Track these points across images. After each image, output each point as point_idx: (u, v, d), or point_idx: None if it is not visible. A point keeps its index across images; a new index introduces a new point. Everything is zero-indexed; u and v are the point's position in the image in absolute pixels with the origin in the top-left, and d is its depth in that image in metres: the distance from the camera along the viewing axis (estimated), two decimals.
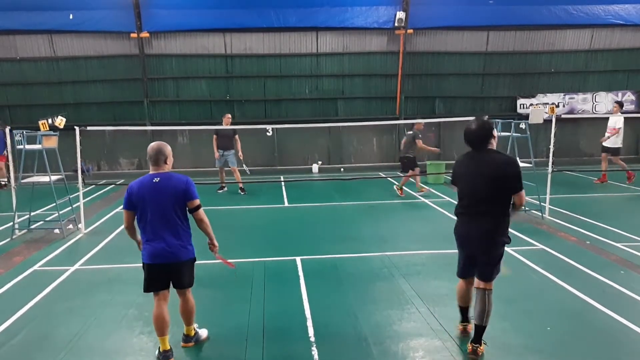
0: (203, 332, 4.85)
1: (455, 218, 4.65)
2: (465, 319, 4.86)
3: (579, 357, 4.40)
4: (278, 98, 18.03)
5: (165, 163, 4.43)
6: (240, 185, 12.92)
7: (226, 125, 12.67)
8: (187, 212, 4.43)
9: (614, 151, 12.78)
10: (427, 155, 18.34)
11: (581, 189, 12.62)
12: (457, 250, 4.65)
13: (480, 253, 4.42)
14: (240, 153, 12.96)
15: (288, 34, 17.47)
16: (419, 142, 12.18)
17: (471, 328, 4.69)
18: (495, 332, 4.82)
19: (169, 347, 4.44)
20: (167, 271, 4.40)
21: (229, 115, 12.99)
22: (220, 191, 13.06)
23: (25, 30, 16.62)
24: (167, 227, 4.29)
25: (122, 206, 4.47)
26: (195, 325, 4.78)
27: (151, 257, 4.33)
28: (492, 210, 4.33)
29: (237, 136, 12.93)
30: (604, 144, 12.90)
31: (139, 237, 4.50)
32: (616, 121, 12.65)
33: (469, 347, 4.42)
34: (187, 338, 4.73)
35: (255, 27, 17.19)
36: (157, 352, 4.48)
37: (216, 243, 4.67)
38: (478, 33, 17.92)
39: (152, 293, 4.46)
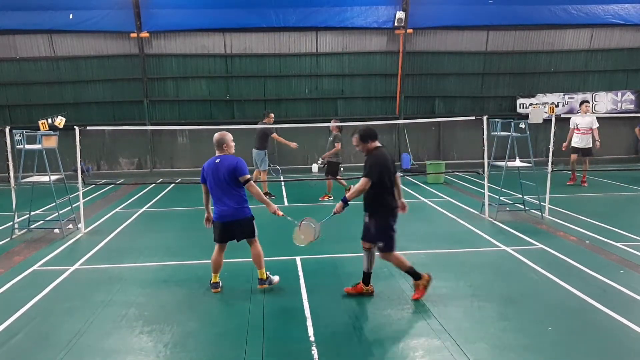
0: (275, 278, 6.05)
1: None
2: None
3: (579, 357, 4.39)
4: (278, 98, 18.02)
5: (224, 149, 5.75)
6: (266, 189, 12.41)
7: (269, 123, 12.20)
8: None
9: (586, 152, 12.63)
10: (427, 155, 18.43)
11: (581, 188, 12.60)
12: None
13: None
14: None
15: (288, 34, 17.47)
16: (339, 145, 11.35)
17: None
18: (496, 331, 4.83)
19: (217, 280, 6.00)
20: (230, 227, 5.78)
21: (272, 114, 12.52)
22: (272, 197, 11.91)
23: (25, 30, 16.62)
24: (225, 194, 5.66)
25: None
26: (267, 272, 5.99)
27: (219, 217, 5.76)
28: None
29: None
30: (578, 145, 12.57)
31: (209, 205, 5.91)
32: (592, 121, 12.42)
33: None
34: (261, 281, 5.97)
35: (255, 27, 17.19)
36: (209, 282, 6.02)
37: (273, 209, 5.81)
38: (478, 33, 17.92)
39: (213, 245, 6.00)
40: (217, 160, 5.71)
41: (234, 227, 5.80)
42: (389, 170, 5.52)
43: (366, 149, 5.58)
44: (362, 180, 5.41)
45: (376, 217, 5.55)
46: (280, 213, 5.90)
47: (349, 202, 5.55)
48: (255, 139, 12.22)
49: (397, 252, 5.67)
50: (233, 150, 5.80)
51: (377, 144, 5.60)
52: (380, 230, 5.57)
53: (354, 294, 5.77)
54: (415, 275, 5.65)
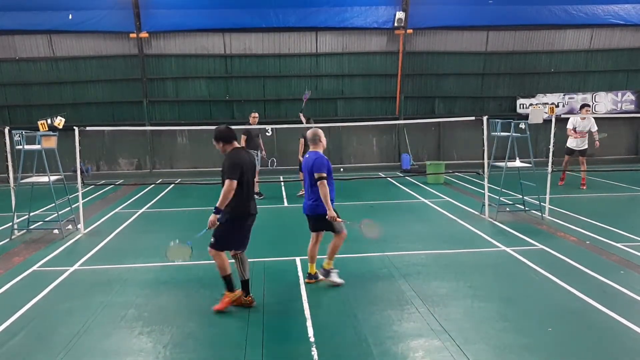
0: (336, 277, 6.13)
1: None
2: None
3: (579, 357, 4.38)
4: (277, 98, 18.02)
5: (318, 143, 6.09)
6: (258, 189, 12.48)
7: (254, 124, 12.19)
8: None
9: (582, 152, 12.57)
10: (427, 155, 18.42)
11: (581, 189, 12.57)
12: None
13: None
14: (264, 152, 12.66)
15: (287, 34, 17.47)
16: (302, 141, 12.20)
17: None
18: (496, 331, 4.82)
19: (314, 272, 6.24)
20: (309, 220, 6.19)
21: (257, 114, 12.40)
22: (261, 197, 12.20)
23: (25, 30, 16.62)
24: (309, 189, 6.06)
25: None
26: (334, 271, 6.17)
27: (303, 208, 6.22)
28: None
29: (260, 134, 12.55)
30: (573, 147, 12.56)
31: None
32: (592, 123, 12.40)
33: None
34: (325, 272, 6.18)
35: (255, 27, 17.19)
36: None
37: (332, 213, 5.81)
38: (478, 33, 17.92)
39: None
40: (307, 155, 6.15)
41: (311, 220, 6.15)
42: (248, 171, 5.39)
43: (222, 149, 5.46)
44: (226, 183, 5.16)
45: (225, 215, 5.28)
46: (339, 219, 5.93)
47: (220, 211, 5.18)
48: None
49: (224, 256, 5.42)
50: (325, 145, 6.14)
51: (235, 145, 5.45)
52: (221, 227, 5.29)
53: (223, 309, 5.39)
54: (229, 286, 5.42)
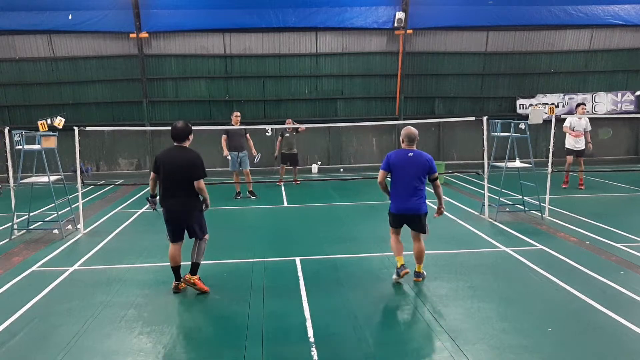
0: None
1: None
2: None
3: (579, 358, 4.39)
4: (277, 98, 18.02)
5: (414, 141, 6.13)
6: (251, 188, 12.49)
7: (235, 124, 12.15)
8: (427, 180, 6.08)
9: (580, 153, 12.55)
10: None
11: (580, 189, 12.57)
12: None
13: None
14: (254, 151, 12.58)
15: (287, 34, 17.47)
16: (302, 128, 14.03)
17: None
18: (495, 332, 4.82)
19: (403, 262, 6.09)
20: (405, 220, 6.12)
21: (238, 113, 12.37)
22: (239, 197, 12.30)
23: (25, 31, 16.60)
24: (412, 188, 5.96)
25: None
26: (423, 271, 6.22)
27: (397, 209, 6.08)
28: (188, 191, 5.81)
29: (248, 135, 12.48)
30: (572, 147, 12.52)
31: (387, 190, 6.23)
32: (587, 124, 12.44)
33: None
34: (417, 274, 6.16)
35: (255, 27, 17.18)
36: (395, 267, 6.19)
37: (443, 207, 6.32)
38: (477, 33, 17.92)
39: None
40: (411, 154, 6.03)
41: (408, 219, 6.12)
42: (170, 167, 5.78)
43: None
44: None
45: None
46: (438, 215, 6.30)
47: (150, 195, 6.14)
48: None
49: (174, 250, 5.93)
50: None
51: (184, 145, 5.93)
52: None
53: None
54: (177, 276, 5.98)
